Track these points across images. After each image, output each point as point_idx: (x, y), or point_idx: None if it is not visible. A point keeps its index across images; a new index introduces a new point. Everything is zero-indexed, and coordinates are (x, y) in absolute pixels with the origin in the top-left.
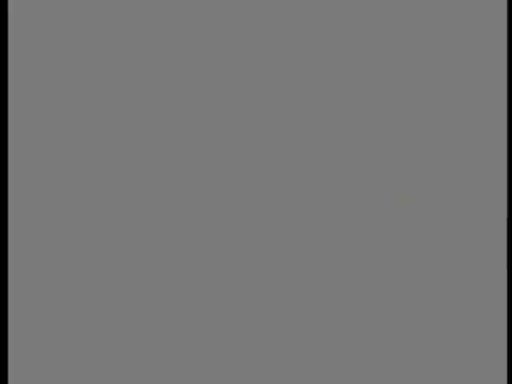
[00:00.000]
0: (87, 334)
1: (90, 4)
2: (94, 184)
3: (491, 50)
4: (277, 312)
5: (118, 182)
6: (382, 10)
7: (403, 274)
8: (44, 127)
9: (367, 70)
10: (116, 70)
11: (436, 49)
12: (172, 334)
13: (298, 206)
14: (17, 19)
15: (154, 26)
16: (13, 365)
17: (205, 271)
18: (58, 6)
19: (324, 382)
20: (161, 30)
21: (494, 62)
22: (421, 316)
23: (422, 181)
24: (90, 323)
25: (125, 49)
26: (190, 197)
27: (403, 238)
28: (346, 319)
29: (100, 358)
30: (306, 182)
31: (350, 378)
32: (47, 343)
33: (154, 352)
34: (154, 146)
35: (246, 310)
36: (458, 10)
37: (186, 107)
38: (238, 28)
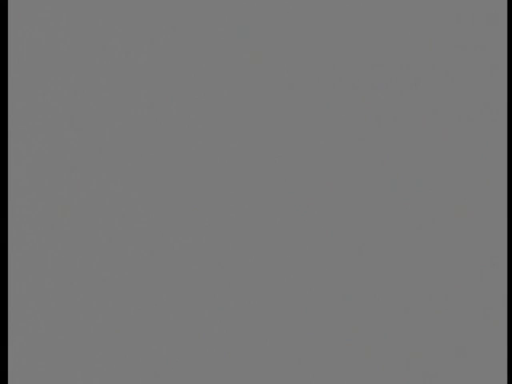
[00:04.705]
0: (87, 335)
1: (90, 4)
2: (93, 184)
3: (491, 50)
4: (276, 312)
5: (117, 182)
6: (382, 10)
7: (403, 274)
8: (43, 127)
9: (367, 70)
10: (115, 70)
11: (436, 49)
12: (171, 334)
13: (298, 206)
14: (17, 19)
15: (153, 27)
16: (13, 365)
17: (204, 272)
18: (58, 6)
19: (324, 382)
20: (160, 31)
21: (494, 62)
22: (420, 316)
23: (421, 181)
24: (89, 323)
25: (124, 49)
26: (189, 198)
27: (402, 238)
28: (344, 319)
29: (100, 358)
30: (306, 182)
31: (350, 378)
32: (47, 343)
33: (154, 352)
34: (153, 147)
35: (245, 310)
36: (458, 10)
37: (185, 108)
38: (237, 29)
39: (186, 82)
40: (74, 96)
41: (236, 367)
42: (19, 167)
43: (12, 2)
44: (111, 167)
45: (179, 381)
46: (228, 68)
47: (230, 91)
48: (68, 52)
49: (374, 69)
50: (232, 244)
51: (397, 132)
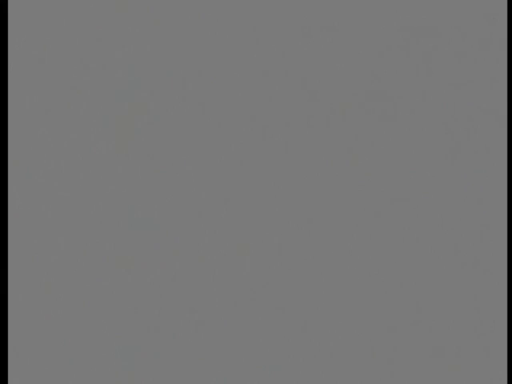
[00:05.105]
0: (87, 334)
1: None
2: (93, 185)
3: (491, 49)
4: (275, 313)
5: (117, 183)
6: (382, 11)
7: (402, 274)
8: (43, 128)
9: (366, 71)
10: (116, 71)
11: (436, 48)
12: (171, 334)
13: (297, 207)
14: (17, 19)
15: (154, 27)
16: (13, 365)
17: (205, 272)
18: (58, 7)
19: (324, 382)
20: (160, 32)
21: (494, 62)
22: (420, 316)
23: (421, 182)
24: (89, 324)
25: (124, 50)
26: (189, 199)
27: (403, 238)
28: (344, 320)
29: (99, 358)
30: (305, 183)
31: (350, 378)
32: (47, 343)
33: (154, 352)
34: (152, 149)
35: (244, 310)
36: (459, 10)
37: (185, 109)
38: (236, 29)
39: (186, 83)
40: (74, 96)
41: (236, 368)
42: (19, 168)
43: (12, 2)
44: (111, 169)
45: (179, 381)
46: (227, 69)
47: (230, 92)
48: (67, 52)
49: (374, 69)
50: (232, 245)
51: (396, 132)
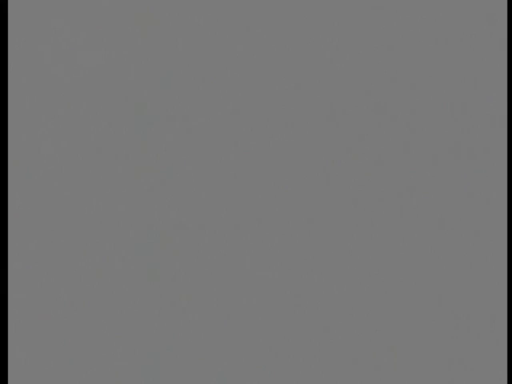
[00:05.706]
0: (87, 334)
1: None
2: (92, 185)
3: (491, 50)
4: (277, 313)
5: (117, 183)
6: (382, 11)
7: (403, 275)
8: (43, 128)
9: (366, 71)
10: (116, 71)
11: (436, 49)
12: (172, 334)
13: (298, 206)
14: (16, 19)
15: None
16: (13, 365)
17: (206, 272)
18: (59, 7)
19: (324, 382)
20: (162, 32)
21: (493, 62)
22: (421, 317)
23: (422, 181)
24: (89, 323)
25: (125, 50)
26: (191, 198)
27: (403, 238)
28: (345, 319)
29: (100, 358)
30: (306, 182)
31: (350, 378)
32: (47, 343)
33: (154, 352)
34: (154, 149)
35: (245, 310)
36: (459, 10)
37: (186, 109)
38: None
39: (187, 84)
40: (74, 96)
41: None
42: (18, 169)
43: (12, 2)
44: (110, 169)
45: (179, 381)
46: (227, 70)
47: (230, 92)
48: (67, 52)
49: (373, 69)
50: (232, 245)
51: (396, 132)
